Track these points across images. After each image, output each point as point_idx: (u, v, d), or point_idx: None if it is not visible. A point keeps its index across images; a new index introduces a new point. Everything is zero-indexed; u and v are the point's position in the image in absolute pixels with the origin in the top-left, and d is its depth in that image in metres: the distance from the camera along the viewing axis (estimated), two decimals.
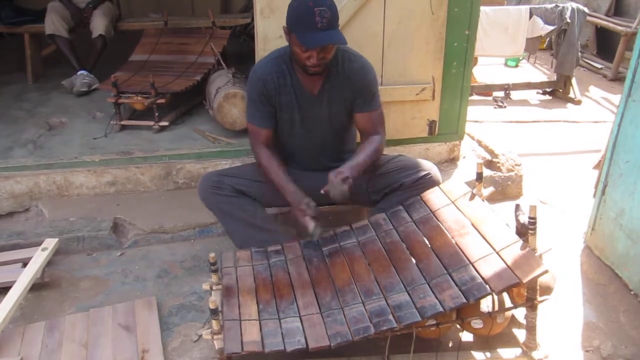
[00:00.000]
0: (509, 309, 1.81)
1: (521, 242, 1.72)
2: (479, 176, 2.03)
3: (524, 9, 4.79)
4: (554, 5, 4.79)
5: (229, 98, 3.05)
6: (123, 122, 3.33)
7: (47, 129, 3.42)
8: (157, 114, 3.26)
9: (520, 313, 2.02)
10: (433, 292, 1.70)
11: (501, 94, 4.99)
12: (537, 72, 5.83)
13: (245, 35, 5.24)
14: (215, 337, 1.71)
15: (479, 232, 1.85)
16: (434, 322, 1.75)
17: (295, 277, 1.92)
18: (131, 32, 4.45)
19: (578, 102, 4.83)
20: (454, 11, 2.83)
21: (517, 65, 6.01)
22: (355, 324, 1.67)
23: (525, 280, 1.61)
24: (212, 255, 1.92)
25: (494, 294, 1.76)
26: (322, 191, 2.03)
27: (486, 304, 1.80)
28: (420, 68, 2.88)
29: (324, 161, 2.34)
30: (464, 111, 3.10)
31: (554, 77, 5.08)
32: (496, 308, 1.80)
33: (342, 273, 1.91)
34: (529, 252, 1.68)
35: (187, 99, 3.61)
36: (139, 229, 2.67)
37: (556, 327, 2.08)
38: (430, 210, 2.04)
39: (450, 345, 1.98)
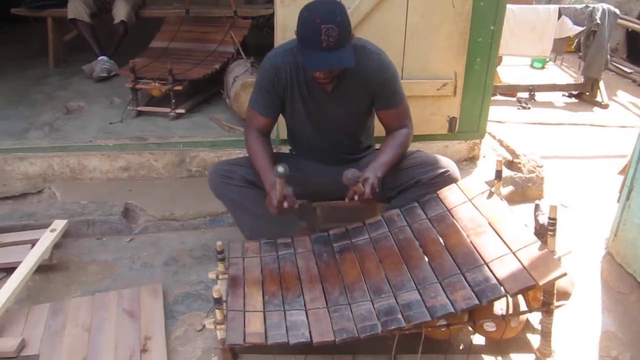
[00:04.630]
0: (524, 312, 1.74)
1: (539, 243, 1.64)
2: (498, 174, 1.96)
3: (553, 8, 4.66)
4: (584, 5, 4.66)
5: (246, 87, 3.01)
6: (140, 108, 3.32)
7: (65, 112, 3.44)
8: (173, 101, 3.24)
9: (535, 318, 1.94)
10: (445, 292, 1.63)
11: (525, 95, 4.87)
12: (564, 74, 5.68)
13: (267, 27, 5.20)
14: (217, 327, 1.67)
15: (495, 231, 1.77)
16: (444, 322, 1.69)
17: (304, 271, 1.87)
18: (153, 20, 4.44)
19: (605, 106, 4.69)
20: (479, 5, 2.74)
21: (543, 67, 5.87)
22: (363, 321, 1.62)
23: (541, 283, 1.53)
24: (219, 243, 1.88)
25: (508, 297, 1.69)
26: (346, 199, 1.98)
27: (500, 307, 1.73)
28: (443, 63, 2.81)
29: (339, 156, 2.28)
30: (486, 109, 3.02)
31: (581, 80, 4.95)
32: (510, 311, 1.72)
33: (351, 269, 1.85)
34: (547, 254, 1.60)
35: (205, 88, 3.59)
36: (150, 215, 2.64)
37: (572, 335, 1.99)
38: (447, 207, 1.97)
39: (460, 347, 1.91)
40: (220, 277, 1.93)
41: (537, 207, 1.74)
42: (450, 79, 2.83)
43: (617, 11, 4.65)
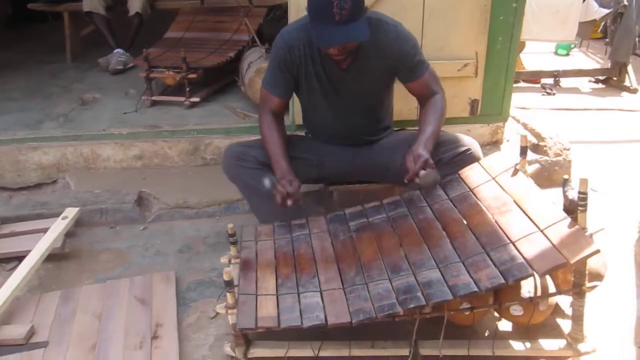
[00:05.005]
0: (553, 294, 1.63)
1: (569, 219, 1.54)
2: (523, 150, 1.85)
3: None
4: None
5: (260, 73, 2.93)
6: (154, 98, 3.28)
7: (80, 104, 3.41)
8: (188, 89, 3.19)
9: (564, 302, 1.83)
10: (467, 271, 1.53)
11: (550, 81, 4.72)
12: (590, 60, 5.51)
13: (285, 19, 5.13)
14: (229, 311, 1.60)
15: (521, 209, 1.67)
16: (468, 305, 1.60)
17: (319, 252, 1.79)
18: (169, 13, 4.41)
19: (634, 91, 4.51)
20: None
21: (568, 54, 5.69)
22: (380, 300, 1.53)
23: (573, 261, 1.43)
24: (230, 226, 1.81)
25: (536, 276, 1.59)
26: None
27: (527, 289, 1.62)
28: (463, 42, 2.70)
29: (356, 137, 2.19)
30: (509, 91, 2.90)
31: (608, 65, 4.78)
32: (539, 293, 1.62)
33: (368, 248, 1.76)
34: (578, 231, 1.49)
35: (220, 77, 3.53)
36: (164, 203, 2.59)
37: (605, 320, 1.87)
38: (469, 187, 1.87)
39: (485, 334, 1.81)
40: (232, 261, 1.87)
41: (565, 181, 1.64)
42: (471, 59, 2.72)
43: None
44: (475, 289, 1.47)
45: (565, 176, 1.65)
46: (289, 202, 1.85)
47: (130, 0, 4.07)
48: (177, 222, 2.57)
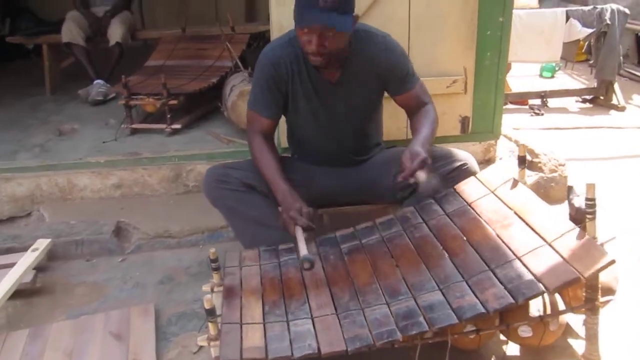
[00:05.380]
0: (565, 312, 1.51)
1: (578, 229, 1.43)
2: (522, 160, 1.75)
3: (560, 11, 4.51)
4: (591, 7, 4.51)
5: (243, 95, 2.84)
6: (134, 126, 3.17)
7: (58, 134, 3.28)
8: (169, 116, 3.08)
9: (575, 321, 1.70)
10: (472, 291, 1.41)
11: (537, 102, 4.68)
12: (575, 82, 5.49)
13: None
14: (211, 343, 1.45)
15: (524, 222, 1.56)
16: (473, 328, 1.46)
17: (308, 276, 1.65)
18: (152, 45, 4.35)
19: (622, 109, 4.48)
20: None
21: (552, 76, 5.68)
22: (378, 327, 1.39)
23: (587, 275, 1.31)
24: (212, 251, 1.68)
25: (545, 295, 1.47)
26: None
27: (536, 308, 1.50)
28: (451, 58, 2.63)
29: (345, 156, 2.09)
30: (500, 107, 2.82)
31: (594, 85, 4.76)
32: (548, 312, 1.49)
33: (363, 271, 1.63)
34: (589, 241, 1.38)
35: (202, 104, 3.44)
36: (143, 233, 2.45)
37: (620, 338, 1.74)
38: (466, 202, 1.77)
39: (492, 359, 1.67)
40: (215, 289, 1.73)
41: (570, 189, 1.54)
42: (459, 75, 2.65)
43: (627, 10, 4.49)
44: (483, 310, 1.34)
45: (570, 184, 1.54)
46: (303, 223, 1.75)
47: (110, 30, 4.00)
48: (157, 253, 2.42)
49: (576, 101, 4.82)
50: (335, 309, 1.50)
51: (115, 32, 3.96)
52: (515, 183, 1.72)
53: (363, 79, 1.91)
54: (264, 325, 1.46)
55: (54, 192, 2.65)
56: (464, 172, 1.91)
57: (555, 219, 1.51)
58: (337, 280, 1.63)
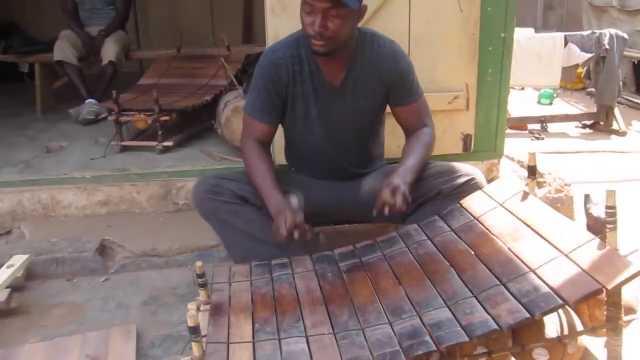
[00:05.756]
0: (584, 332, 1.37)
1: (598, 240, 1.31)
2: (532, 170, 1.65)
3: (558, 36, 4.51)
4: (590, 32, 4.49)
5: (238, 111, 2.74)
6: (124, 143, 3.05)
7: (45, 151, 3.17)
8: (160, 133, 2.97)
9: (594, 344, 1.57)
10: (483, 307, 1.28)
11: (537, 127, 4.62)
12: (573, 108, 5.46)
13: None
14: None
15: (538, 234, 1.45)
16: (484, 350, 1.33)
17: (304, 293, 1.52)
18: (147, 66, 4.27)
19: (623, 134, 4.43)
20: (487, 11, 2.52)
21: (550, 103, 5.65)
22: (380, 347, 1.26)
23: (610, 286, 1.19)
24: (199, 264, 1.55)
25: (561, 313, 1.34)
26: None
27: (553, 328, 1.36)
28: (452, 73, 2.55)
29: (345, 168, 1.98)
30: (502, 125, 2.74)
31: (594, 110, 4.72)
32: (565, 333, 1.36)
33: (363, 289, 1.50)
34: (611, 251, 1.27)
35: (196, 123, 3.34)
36: (129, 251, 2.31)
37: None
38: (473, 216, 1.65)
39: None
40: (202, 307, 1.59)
41: (587, 198, 1.43)
42: (461, 91, 2.57)
43: (625, 35, 4.48)
44: (495, 326, 1.21)
45: (586, 192, 1.43)
46: (296, 234, 1.63)
47: (104, 49, 3.92)
48: (143, 273, 2.28)
49: (576, 127, 4.77)
50: (333, 328, 1.36)
51: (109, 51, 3.89)
52: (525, 195, 1.62)
53: (368, 84, 1.83)
54: (254, 344, 1.32)
55: (37, 208, 2.52)
56: (471, 188, 1.81)
57: (571, 230, 1.39)
58: (335, 298, 1.50)
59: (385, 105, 1.94)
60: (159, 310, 2.01)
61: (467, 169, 1.87)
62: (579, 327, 1.42)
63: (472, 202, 1.73)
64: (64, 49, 3.86)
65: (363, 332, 1.33)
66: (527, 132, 4.61)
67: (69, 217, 2.55)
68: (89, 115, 3.72)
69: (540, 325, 1.36)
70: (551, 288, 1.24)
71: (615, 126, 4.50)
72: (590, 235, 1.34)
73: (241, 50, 4.07)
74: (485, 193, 1.73)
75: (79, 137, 3.42)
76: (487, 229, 1.56)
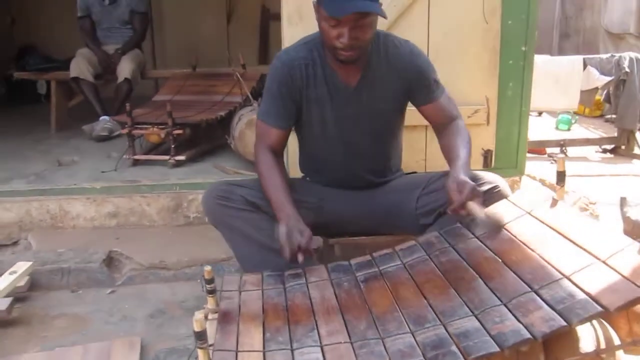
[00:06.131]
0: (625, 345, 1.26)
1: (637, 244, 1.21)
2: (561, 177, 1.56)
3: (577, 59, 4.43)
4: (609, 55, 4.43)
5: (252, 125, 2.70)
6: (136, 157, 3.02)
7: (57, 165, 3.14)
8: (173, 146, 2.93)
9: None
10: (514, 315, 1.18)
11: (556, 150, 4.52)
12: (592, 134, 5.35)
13: None
14: None
15: (570, 240, 1.35)
16: None
17: (318, 302, 1.42)
18: (163, 85, 4.27)
19: None
20: (507, 24, 2.47)
21: (569, 129, 5.55)
22: (402, 358, 1.15)
23: None
24: (207, 269, 1.46)
25: (597, 327, 1.23)
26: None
27: (589, 342, 1.25)
28: (472, 86, 2.49)
29: (362, 176, 1.90)
30: (524, 141, 2.65)
31: (614, 134, 4.61)
32: (602, 347, 1.25)
33: (382, 299, 1.40)
34: None
35: (210, 140, 3.31)
36: (136, 263, 2.24)
37: None
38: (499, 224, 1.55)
39: None
40: (210, 316, 1.50)
41: (623, 201, 1.33)
42: (481, 105, 2.51)
43: None
44: (528, 335, 1.11)
45: (622, 195, 1.34)
46: (300, 258, 1.55)
47: (120, 66, 3.93)
48: (151, 285, 2.20)
49: (596, 151, 4.66)
50: (349, 337, 1.26)
51: (125, 69, 3.89)
52: (554, 202, 1.52)
53: (386, 83, 1.76)
54: (264, 354, 1.22)
55: (45, 219, 2.47)
56: (495, 196, 1.71)
57: (607, 235, 1.30)
58: (352, 307, 1.40)
59: (405, 107, 1.87)
60: (165, 323, 1.92)
61: (490, 177, 1.78)
62: (616, 341, 1.31)
63: (497, 210, 1.63)
64: (80, 66, 3.87)
65: (383, 342, 1.23)
66: (546, 156, 4.51)
67: (76, 229, 2.50)
68: (103, 131, 3.70)
69: (574, 339, 1.25)
70: (588, 295, 1.14)
71: (637, 150, 4.38)
72: (629, 240, 1.24)
73: (257, 69, 4.05)
74: (511, 202, 1.64)
75: (92, 152, 3.41)
76: (514, 236, 1.47)
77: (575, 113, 5.42)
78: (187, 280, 2.23)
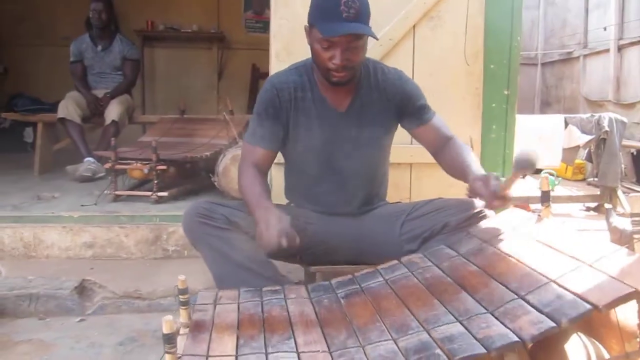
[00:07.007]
0: (620, 358, 1.20)
1: (625, 249, 1.18)
2: (545, 196, 1.55)
3: (559, 117, 4.56)
4: (589, 115, 4.56)
5: (236, 160, 2.69)
6: (118, 192, 2.97)
7: (37, 199, 3.07)
8: (156, 182, 2.89)
9: None
10: (501, 322, 1.12)
11: (540, 207, 4.53)
12: (575, 194, 5.41)
13: None
14: None
15: (556, 250, 1.32)
16: None
17: (296, 315, 1.35)
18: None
19: (628, 216, 4.32)
20: (489, 68, 2.56)
21: (552, 190, 5.61)
22: None
23: None
24: (182, 278, 1.40)
25: (586, 342, 1.18)
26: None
27: (583, 355, 1.19)
28: (457, 127, 2.44)
29: (346, 203, 1.88)
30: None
31: (597, 193, 4.66)
32: (593, 357, 1.19)
33: (363, 311, 1.34)
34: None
35: (194, 181, 3.28)
36: (110, 291, 2.15)
37: None
38: (483, 241, 1.53)
39: None
40: (182, 331, 1.41)
41: (609, 211, 1.32)
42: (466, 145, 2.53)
43: (625, 119, 4.53)
44: (516, 338, 1.05)
45: (608, 205, 1.33)
46: (283, 241, 1.50)
47: (108, 109, 3.95)
48: (124, 315, 2.10)
49: (580, 209, 4.69)
50: (328, 348, 1.19)
51: (112, 111, 3.91)
52: (540, 218, 1.50)
53: (375, 108, 1.78)
54: (236, 358, 1.15)
55: (17, 247, 2.39)
56: (480, 220, 1.70)
57: (594, 244, 1.27)
58: (332, 321, 1.33)
59: (393, 133, 1.88)
60: (135, 350, 1.82)
61: (475, 202, 1.76)
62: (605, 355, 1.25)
63: (482, 229, 1.61)
64: (69, 107, 3.89)
65: (363, 349, 1.16)
66: (530, 213, 4.52)
67: (50, 259, 2.41)
68: (87, 172, 3.66)
69: (563, 356, 1.19)
70: (576, 294, 1.10)
71: (620, 209, 4.41)
72: (616, 246, 1.21)
73: (244, 117, 4.09)
74: (496, 220, 1.62)
75: (73, 190, 3.34)
76: (500, 250, 1.43)
77: (558, 175, 5.50)
78: (162, 312, 2.12)
